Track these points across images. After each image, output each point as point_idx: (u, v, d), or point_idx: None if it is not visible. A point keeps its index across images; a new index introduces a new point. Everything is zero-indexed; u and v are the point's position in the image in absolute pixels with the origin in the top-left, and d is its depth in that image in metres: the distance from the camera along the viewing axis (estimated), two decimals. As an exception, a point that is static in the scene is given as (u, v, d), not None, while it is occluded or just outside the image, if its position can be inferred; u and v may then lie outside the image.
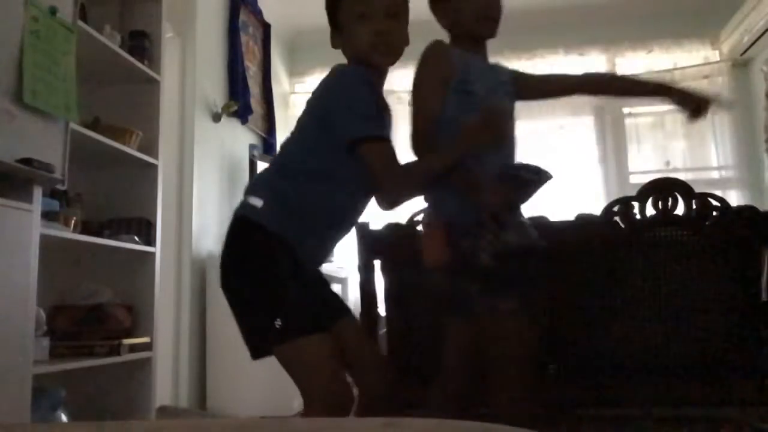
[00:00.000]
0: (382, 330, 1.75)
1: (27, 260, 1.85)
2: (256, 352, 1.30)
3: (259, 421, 0.56)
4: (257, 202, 1.36)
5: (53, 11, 1.93)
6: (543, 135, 4.53)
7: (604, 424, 1.29)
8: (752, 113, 4.17)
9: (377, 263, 1.76)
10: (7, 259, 1.78)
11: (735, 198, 4.03)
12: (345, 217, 1.44)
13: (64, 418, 2.07)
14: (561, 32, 4.47)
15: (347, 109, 1.36)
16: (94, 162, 2.45)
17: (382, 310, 1.75)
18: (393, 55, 1.44)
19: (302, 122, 1.48)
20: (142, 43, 2.60)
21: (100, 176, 2.55)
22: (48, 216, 2.04)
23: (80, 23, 2.15)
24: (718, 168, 4.31)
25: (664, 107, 4.47)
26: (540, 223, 1.69)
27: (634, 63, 4.45)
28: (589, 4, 4.38)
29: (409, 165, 1.43)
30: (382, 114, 1.45)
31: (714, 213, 1.62)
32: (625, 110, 4.51)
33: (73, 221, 2.21)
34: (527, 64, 4.53)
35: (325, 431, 0.52)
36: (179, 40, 3.36)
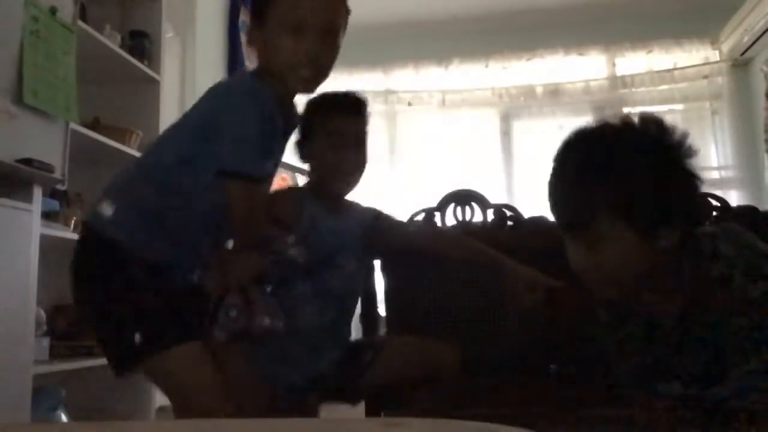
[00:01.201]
0: (382, 330, 1.75)
1: (27, 260, 1.85)
2: (118, 371, 1.18)
3: (258, 421, 0.56)
4: (108, 210, 1.21)
5: (53, 11, 1.93)
6: (543, 135, 4.53)
7: (605, 424, 1.29)
8: (752, 113, 4.17)
9: (377, 263, 1.75)
10: (7, 259, 1.78)
11: (735, 198, 4.03)
12: (216, 224, 1.25)
13: (64, 418, 2.07)
14: (561, 32, 4.47)
15: (228, 133, 1.18)
16: (94, 162, 2.45)
17: (382, 310, 1.75)
18: (316, 83, 1.26)
19: (180, 124, 1.33)
20: (142, 43, 2.60)
21: (100, 176, 2.53)
22: (48, 216, 2.04)
23: (80, 23, 2.15)
24: (718, 168, 4.31)
25: (664, 107, 4.48)
26: (539, 222, 1.69)
27: (634, 63, 4.45)
28: (589, 4, 4.37)
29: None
30: (270, 144, 1.24)
31: (714, 213, 1.62)
32: (625, 110, 4.51)
33: (73, 221, 2.21)
34: (527, 64, 4.53)
35: (325, 431, 0.52)
36: (179, 40, 3.36)
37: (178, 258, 1.24)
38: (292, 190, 1.59)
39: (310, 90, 1.30)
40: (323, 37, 1.21)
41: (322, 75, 1.24)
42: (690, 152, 1.06)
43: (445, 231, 1.72)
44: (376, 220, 1.60)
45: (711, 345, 1.08)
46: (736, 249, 1.07)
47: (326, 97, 1.54)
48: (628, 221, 1.02)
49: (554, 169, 1.14)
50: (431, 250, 1.64)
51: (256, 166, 1.19)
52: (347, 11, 1.31)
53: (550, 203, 1.12)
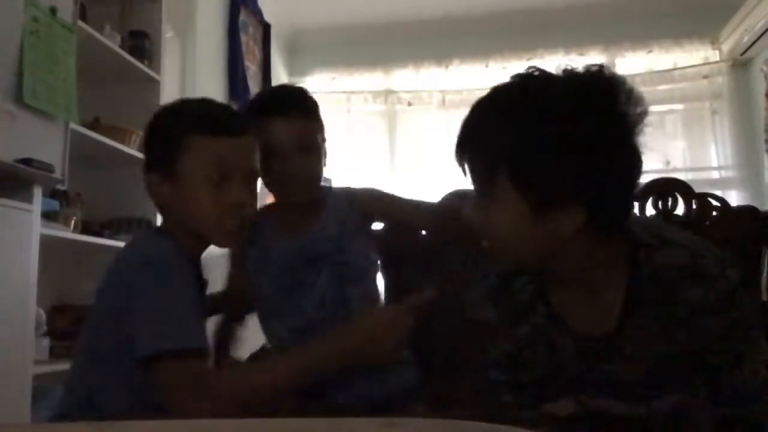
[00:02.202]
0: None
1: (27, 260, 1.85)
2: None
3: (258, 421, 0.56)
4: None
5: (53, 11, 1.93)
6: (543, 135, 4.54)
7: (605, 424, 1.29)
8: (752, 113, 4.17)
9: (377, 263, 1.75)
10: (7, 259, 1.78)
11: (735, 198, 4.03)
12: None
13: (64, 418, 2.07)
14: (561, 32, 4.47)
15: (150, 310, 0.97)
16: (94, 162, 2.45)
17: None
18: (245, 233, 1.10)
19: (93, 317, 1.12)
20: (142, 43, 2.60)
21: (100, 176, 2.55)
22: (48, 216, 2.04)
23: (80, 23, 2.16)
24: (718, 168, 4.31)
25: (664, 107, 4.48)
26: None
27: (634, 63, 4.45)
28: (589, 4, 4.37)
29: (237, 375, 1.03)
30: (200, 310, 1.06)
31: (714, 213, 1.62)
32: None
33: (73, 221, 2.21)
34: (527, 64, 4.52)
35: (326, 431, 0.52)
36: (179, 40, 3.36)
37: None
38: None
39: (237, 244, 1.13)
40: (250, 180, 1.07)
41: (249, 224, 1.09)
42: (636, 127, 0.88)
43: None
44: (351, 205, 1.41)
45: (651, 356, 0.94)
46: (679, 242, 0.94)
47: (259, 99, 1.39)
48: (520, 190, 0.86)
49: (472, 108, 0.99)
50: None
51: (192, 336, 0.97)
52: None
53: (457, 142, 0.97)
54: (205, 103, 1.13)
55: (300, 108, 1.36)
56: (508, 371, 1.02)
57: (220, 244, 1.10)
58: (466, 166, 0.97)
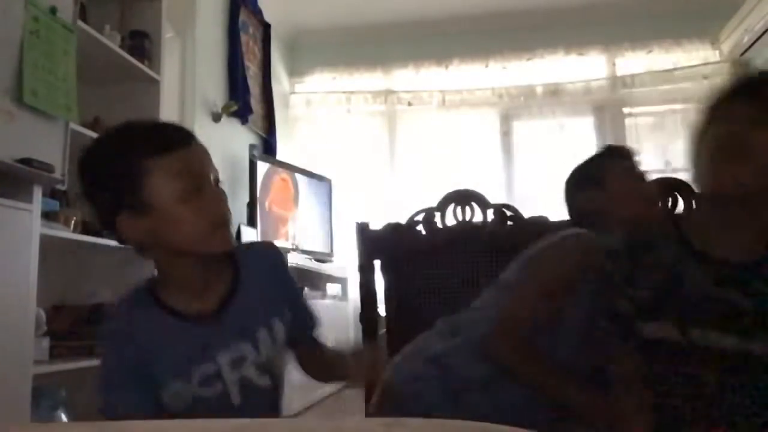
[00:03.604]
0: (382, 330, 1.75)
1: (27, 260, 1.85)
2: None
3: (259, 421, 0.56)
4: None
5: (53, 11, 1.93)
6: (543, 135, 4.54)
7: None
8: (752, 113, 4.16)
9: (377, 263, 1.75)
10: (7, 259, 1.78)
11: (735, 198, 4.03)
12: None
13: (64, 418, 2.07)
14: (561, 32, 4.47)
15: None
16: (94, 162, 2.45)
17: (382, 310, 1.75)
18: (229, 228, 1.04)
19: None
20: (142, 43, 2.60)
21: (100, 176, 2.55)
22: (48, 216, 2.04)
23: (80, 23, 2.15)
24: (718, 168, 4.30)
25: (664, 107, 4.48)
26: (539, 222, 1.69)
27: (634, 63, 4.45)
28: (589, 4, 4.38)
29: None
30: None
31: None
32: (625, 110, 4.51)
33: (73, 221, 2.20)
34: (527, 64, 4.53)
35: (325, 431, 0.52)
36: (179, 40, 3.36)
37: None
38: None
39: (231, 243, 1.05)
40: (216, 182, 1.03)
41: (230, 222, 1.05)
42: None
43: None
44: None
45: None
46: None
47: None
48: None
49: None
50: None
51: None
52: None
53: None
54: (142, 125, 1.06)
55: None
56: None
57: (218, 249, 1.03)
58: None
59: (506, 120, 4.62)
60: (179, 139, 1.01)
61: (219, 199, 1.02)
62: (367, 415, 1.34)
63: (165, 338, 1.00)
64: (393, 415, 0.52)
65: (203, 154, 1.03)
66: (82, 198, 1.03)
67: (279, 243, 3.82)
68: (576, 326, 1.25)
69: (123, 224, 0.99)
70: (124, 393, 1.00)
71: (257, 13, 4.22)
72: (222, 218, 1.02)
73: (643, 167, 1.46)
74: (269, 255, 1.14)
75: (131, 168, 0.96)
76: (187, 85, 3.35)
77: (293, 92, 4.86)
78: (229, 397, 1.02)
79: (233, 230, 1.07)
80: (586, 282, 1.21)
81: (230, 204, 1.04)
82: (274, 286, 1.10)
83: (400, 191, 4.48)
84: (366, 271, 1.76)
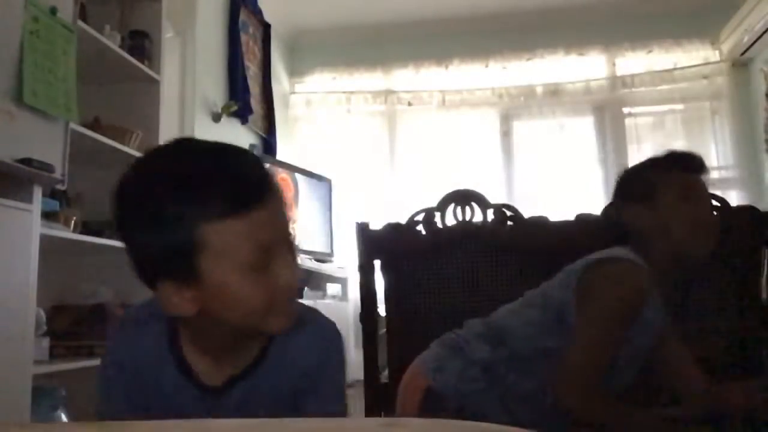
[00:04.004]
0: (382, 330, 1.75)
1: (27, 260, 1.84)
2: None
3: (259, 421, 0.56)
4: None
5: (53, 11, 1.93)
6: (543, 135, 4.54)
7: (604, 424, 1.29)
8: (752, 113, 4.17)
9: (377, 263, 1.75)
10: (7, 259, 1.78)
11: (735, 198, 4.03)
12: None
13: (64, 418, 2.07)
14: (561, 32, 4.47)
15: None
16: (94, 162, 2.45)
17: (382, 310, 1.75)
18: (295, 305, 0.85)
19: None
20: (142, 43, 2.60)
21: (100, 176, 2.54)
22: (48, 216, 2.04)
23: (80, 23, 2.15)
24: (718, 168, 4.31)
25: (664, 107, 4.48)
26: (539, 222, 1.69)
27: (634, 63, 4.45)
28: (589, 4, 4.38)
29: None
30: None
31: (714, 213, 1.62)
32: (625, 110, 4.51)
33: (73, 221, 2.20)
34: (527, 64, 4.53)
35: (326, 431, 0.52)
36: (179, 40, 3.36)
37: None
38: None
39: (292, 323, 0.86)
40: (290, 245, 0.82)
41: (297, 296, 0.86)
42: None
43: None
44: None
45: None
46: None
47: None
48: None
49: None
50: None
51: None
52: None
53: None
54: (205, 159, 0.78)
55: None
56: None
57: (274, 331, 0.84)
58: None
59: (506, 120, 4.62)
60: (255, 192, 0.76)
61: (289, 270, 0.79)
62: (401, 415, 1.31)
63: (168, 388, 0.86)
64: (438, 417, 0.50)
65: (279, 211, 0.79)
66: (117, 235, 0.81)
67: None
68: (634, 354, 1.23)
69: (165, 292, 0.78)
70: (121, 404, 0.90)
71: (257, 13, 4.22)
72: (289, 295, 0.81)
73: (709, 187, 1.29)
74: (321, 349, 0.87)
75: (185, 230, 0.73)
76: (187, 85, 3.35)
77: (293, 92, 4.85)
78: None
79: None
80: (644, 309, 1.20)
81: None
82: (301, 386, 0.87)
83: (400, 191, 4.48)
84: (366, 271, 1.76)
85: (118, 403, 0.89)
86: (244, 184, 0.76)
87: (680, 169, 1.28)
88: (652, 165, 1.31)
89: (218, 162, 0.77)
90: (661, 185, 1.26)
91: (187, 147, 0.83)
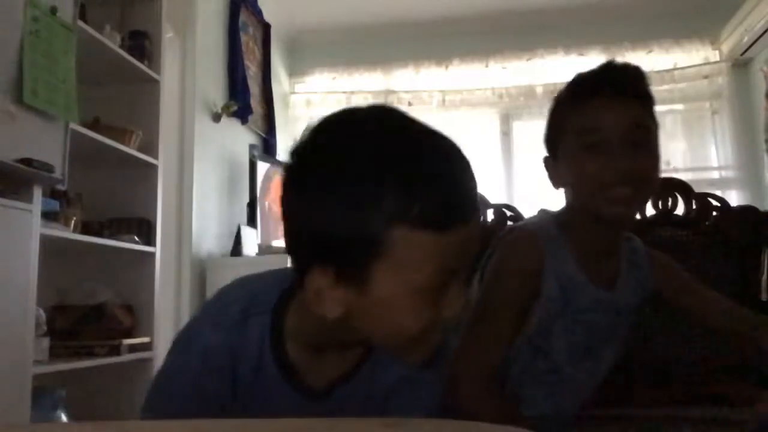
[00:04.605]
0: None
1: (27, 260, 1.85)
2: None
3: (259, 421, 0.56)
4: None
5: (53, 11, 1.93)
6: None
7: (605, 424, 1.29)
8: (752, 113, 4.17)
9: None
10: (7, 259, 1.78)
11: (735, 198, 4.03)
12: None
13: (64, 418, 2.07)
14: (561, 32, 4.47)
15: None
16: (94, 162, 2.45)
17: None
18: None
19: None
20: (142, 43, 2.60)
21: (100, 176, 2.55)
22: (48, 216, 2.04)
23: (80, 23, 2.15)
24: (718, 168, 4.31)
25: (664, 107, 4.48)
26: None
27: (634, 63, 4.43)
28: (589, 4, 4.37)
29: None
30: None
31: (714, 213, 1.62)
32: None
33: (73, 221, 2.21)
34: (527, 64, 4.53)
35: (325, 431, 0.52)
36: (179, 40, 3.36)
37: None
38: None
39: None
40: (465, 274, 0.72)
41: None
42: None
43: None
44: (651, 261, 1.16)
45: None
46: None
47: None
48: None
49: None
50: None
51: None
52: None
53: None
54: (432, 157, 0.65)
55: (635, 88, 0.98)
56: None
57: (410, 362, 0.74)
58: None
59: (506, 120, 4.62)
60: (464, 210, 0.65)
61: (459, 305, 0.68)
62: None
63: (260, 389, 0.76)
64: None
65: (475, 237, 0.68)
66: (285, 197, 0.68)
67: (279, 243, 3.82)
68: (587, 334, 1.07)
69: (317, 282, 0.66)
70: (190, 404, 0.76)
71: (257, 13, 4.22)
72: (438, 328, 0.69)
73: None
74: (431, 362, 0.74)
75: (376, 225, 0.61)
76: (187, 85, 3.35)
77: (293, 92, 4.85)
78: None
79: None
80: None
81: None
82: (398, 389, 0.79)
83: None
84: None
85: (186, 403, 0.76)
86: (457, 197, 0.64)
87: (584, 97, 0.97)
88: (557, 101, 1.03)
89: (437, 159, 0.65)
90: (560, 129, 1.00)
91: (402, 125, 0.67)
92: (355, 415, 0.77)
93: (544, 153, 1.08)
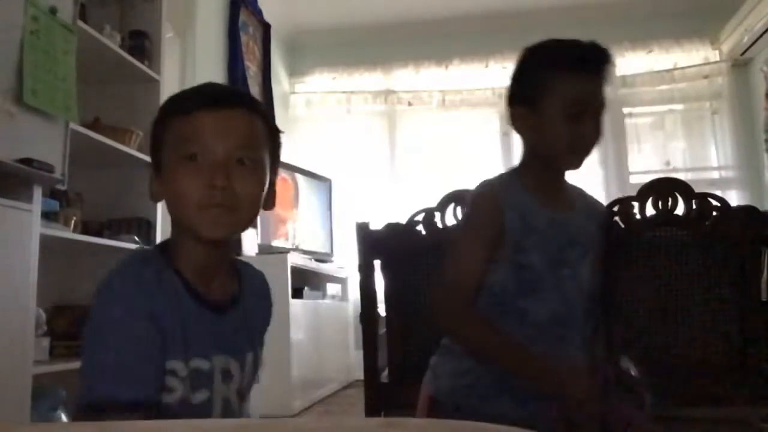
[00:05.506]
0: (382, 330, 1.75)
1: (27, 260, 1.85)
2: None
3: (259, 421, 0.56)
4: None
5: (53, 11, 1.93)
6: (543, 135, 4.54)
7: (605, 424, 1.29)
8: (752, 113, 4.17)
9: (377, 263, 1.75)
10: (7, 259, 1.78)
11: (735, 198, 4.04)
12: None
13: (64, 418, 2.07)
14: (561, 32, 4.44)
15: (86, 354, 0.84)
16: (94, 162, 2.45)
17: (382, 310, 1.75)
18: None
19: None
20: (142, 43, 2.60)
21: (100, 176, 2.55)
22: (48, 216, 2.04)
23: (80, 23, 2.15)
24: (718, 168, 4.31)
25: (664, 107, 4.48)
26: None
27: (634, 63, 4.45)
28: (589, 4, 4.38)
29: None
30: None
31: (714, 213, 1.62)
32: (625, 110, 4.51)
33: (73, 221, 2.21)
34: (527, 64, 4.53)
35: (325, 431, 0.52)
36: (179, 40, 3.36)
37: None
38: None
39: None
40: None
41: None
42: None
43: None
44: (596, 206, 1.36)
45: None
46: None
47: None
48: None
49: None
50: None
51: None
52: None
53: None
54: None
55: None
56: None
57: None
58: None
59: (506, 120, 4.62)
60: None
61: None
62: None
63: (176, 314, 0.85)
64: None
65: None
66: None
67: (279, 243, 3.83)
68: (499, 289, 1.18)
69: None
70: (136, 373, 0.81)
71: (257, 13, 4.22)
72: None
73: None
74: (265, 286, 1.05)
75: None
76: (187, 85, 3.35)
77: (293, 92, 4.86)
78: (211, 410, 0.87)
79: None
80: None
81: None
82: (263, 317, 1.03)
83: (400, 191, 4.48)
84: (366, 271, 1.76)
85: (137, 356, 0.81)
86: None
87: (570, 68, 1.15)
88: (539, 62, 1.19)
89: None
90: (544, 90, 1.16)
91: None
92: (248, 332, 0.96)
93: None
